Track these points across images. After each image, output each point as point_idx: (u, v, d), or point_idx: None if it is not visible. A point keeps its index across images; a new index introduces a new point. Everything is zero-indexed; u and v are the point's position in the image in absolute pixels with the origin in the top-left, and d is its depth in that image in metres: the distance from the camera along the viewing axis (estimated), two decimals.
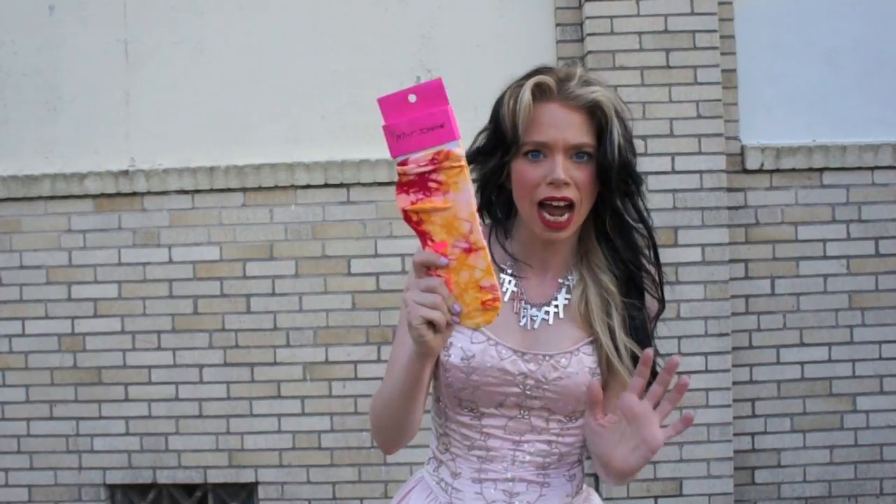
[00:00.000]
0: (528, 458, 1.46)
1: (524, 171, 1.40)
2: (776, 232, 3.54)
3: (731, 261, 3.47)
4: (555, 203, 1.38)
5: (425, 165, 1.15)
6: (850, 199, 3.54)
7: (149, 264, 3.55)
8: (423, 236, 1.18)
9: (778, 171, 3.52)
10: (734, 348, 3.47)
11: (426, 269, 1.19)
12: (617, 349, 1.42)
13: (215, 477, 3.57)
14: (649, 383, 1.30)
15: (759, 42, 3.54)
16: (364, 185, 3.53)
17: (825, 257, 3.54)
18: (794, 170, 3.53)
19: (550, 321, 1.46)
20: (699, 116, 3.38)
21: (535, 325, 1.45)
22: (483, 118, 1.46)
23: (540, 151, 1.38)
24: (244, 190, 3.53)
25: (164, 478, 3.58)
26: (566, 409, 1.45)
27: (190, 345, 3.55)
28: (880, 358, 3.55)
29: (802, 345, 3.54)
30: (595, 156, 1.38)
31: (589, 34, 3.40)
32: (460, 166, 1.14)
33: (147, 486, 3.62)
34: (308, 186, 3.53)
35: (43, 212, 3.57)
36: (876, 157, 3.52)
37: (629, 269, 1.46)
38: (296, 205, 3.54)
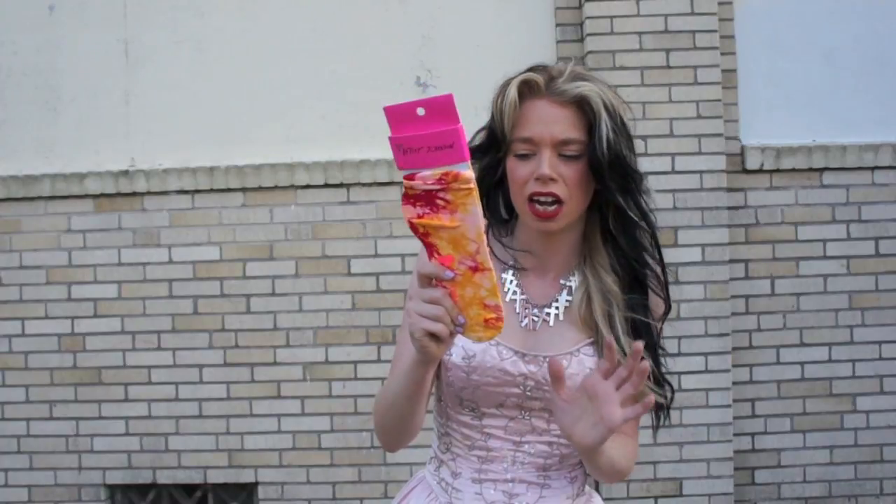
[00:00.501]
0: (528, 459, 1.46)
1: (515, 168, 1.40)
2: (776, 232, 3.54)
3: (731, 261, 3.47)
4: (541, 199, 1.38)
5: (433, 184, 1.11)
6: (850, 199, 3.54)
7: (149, 264, 3.55)
8: (430, 248, 1.16)
9: (778, 171, 3.52)
10: (734, 348, 3.47)
11: (430, 280, 1.18)
12: (620, 350, 1.41)
13: (215, 477, 3.57)
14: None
15: (759, 42, 3.54)
16: (364, 185, 3.53)
17: (825, 257, 3.54)
18: (794, 170, 3.53)
19: (551, 322, 1.45)
20: (699, 116, 3.38)
21: (537, 327, 1.45)
22: (483, 118, 1.46)
23: (530, 148, 1.39)
24: (244, 190, 3.53)
25: (163, 478, 3.58)
26: None
27: (190, 345, 3.55)
28: (880, 358, 3.55)
29: (802, 345, 3.54)
30: (586, 151, 1.38)
31: (589, 34, 3.40)
32: (469, 188, 1.10)
33: (147, 486, 3.62)
34: (308, 186, 3.53)
35: (43, 212, 3.57)
36: (876, 157, 3.52)
37: (633, 267, 1.45)
38: (296, 205, 3.54)
